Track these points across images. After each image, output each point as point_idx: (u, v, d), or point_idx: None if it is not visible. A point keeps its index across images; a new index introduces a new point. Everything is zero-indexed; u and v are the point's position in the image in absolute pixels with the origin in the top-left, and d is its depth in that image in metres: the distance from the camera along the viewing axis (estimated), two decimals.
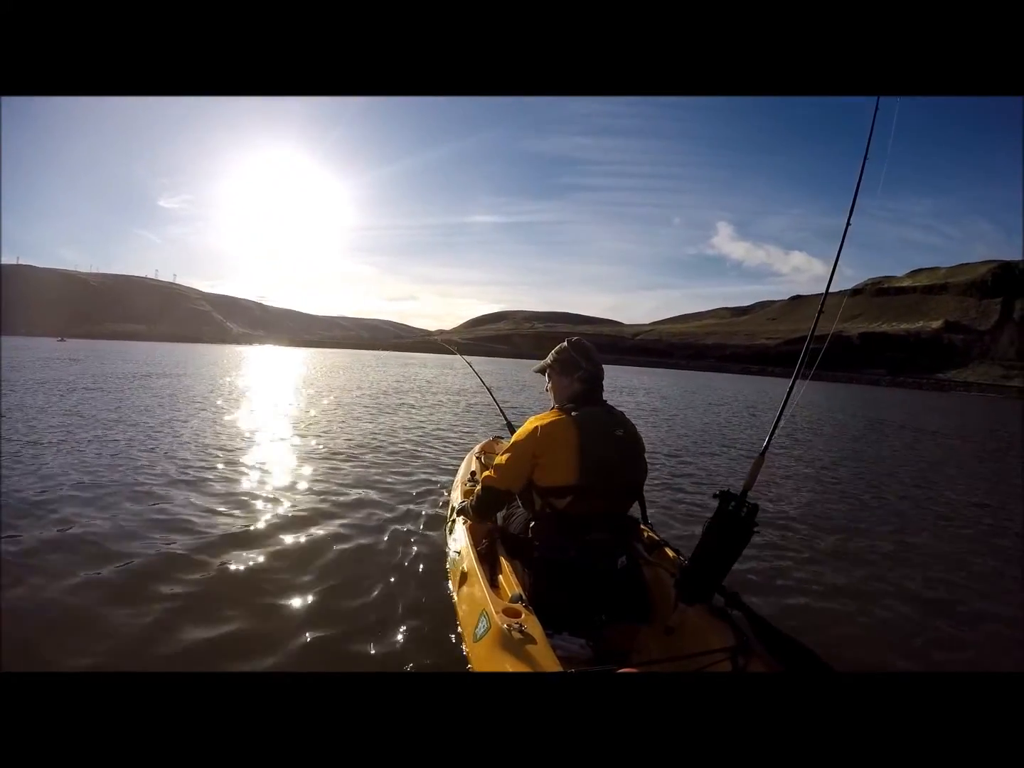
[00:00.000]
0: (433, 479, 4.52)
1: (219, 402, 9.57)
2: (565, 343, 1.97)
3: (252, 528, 3.18)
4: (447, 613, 2.04)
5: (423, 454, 5.68)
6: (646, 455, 1.89)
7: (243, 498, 3.78)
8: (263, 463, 4.86)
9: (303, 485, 4.20)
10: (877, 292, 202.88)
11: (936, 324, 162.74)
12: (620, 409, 1.89)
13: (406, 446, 6.08)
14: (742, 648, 1.41)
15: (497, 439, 4.06)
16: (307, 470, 4.69)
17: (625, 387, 23.55)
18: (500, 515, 2.16)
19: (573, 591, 1.74)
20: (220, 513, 3.43)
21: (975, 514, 4.67)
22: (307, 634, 2.08)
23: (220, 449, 5.35)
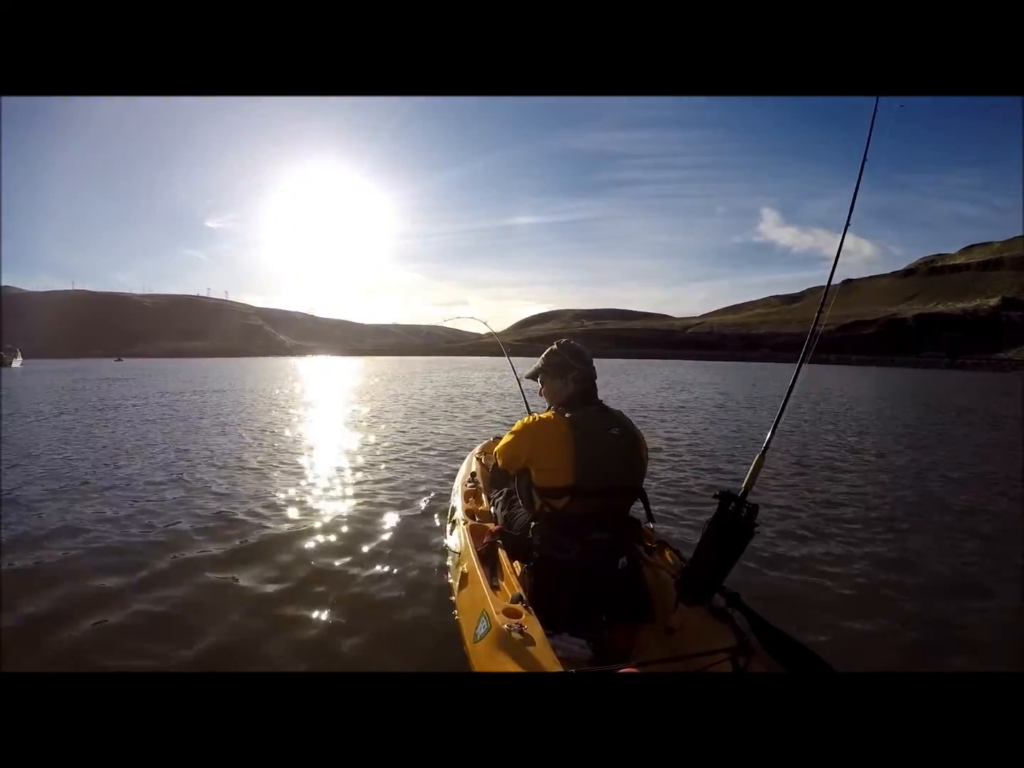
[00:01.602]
0: (435, 480, 4.52)
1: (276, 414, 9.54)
2: (555, 345, 1.97)
3: (253, 528, 3.19)
4: (448, 614, 2.04)
5: (427, 456, 5.68)
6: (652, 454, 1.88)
7: (252, 499, 3.79)
8: (278, 467, 4.87)
9: (307, 487, 4.21)
10: (931, 271, 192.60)
11: (993, 301, 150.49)
12: (619, 408, 1.89)
13: (410, 450, 6.08)
14: (743, 648, 1.40)
15: (497, 439, 4.05)
16: (309, 473, 4.70)
17: (679, 382, 20.37)
18: (501, 515, 2.16)
19: (573, 591, 1.73)
20: (234, 512, 3.45)
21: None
22: (308, 634, 2.08)
23: (260, 447, 5.36)
